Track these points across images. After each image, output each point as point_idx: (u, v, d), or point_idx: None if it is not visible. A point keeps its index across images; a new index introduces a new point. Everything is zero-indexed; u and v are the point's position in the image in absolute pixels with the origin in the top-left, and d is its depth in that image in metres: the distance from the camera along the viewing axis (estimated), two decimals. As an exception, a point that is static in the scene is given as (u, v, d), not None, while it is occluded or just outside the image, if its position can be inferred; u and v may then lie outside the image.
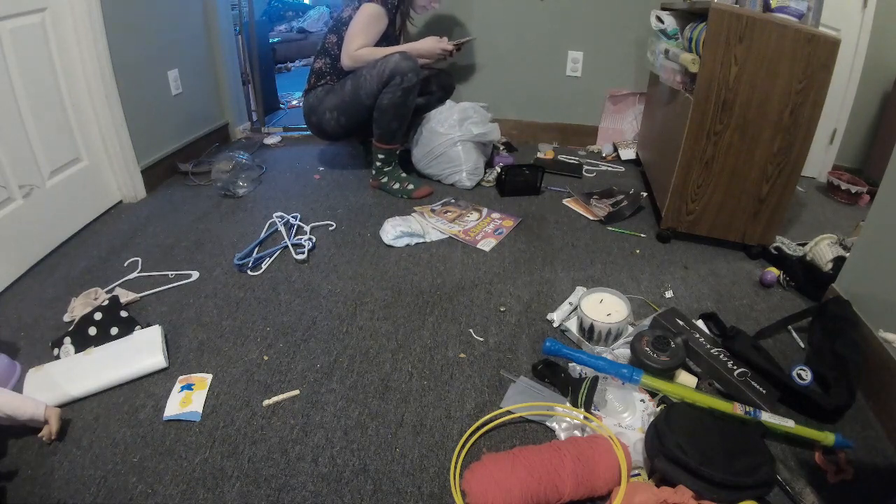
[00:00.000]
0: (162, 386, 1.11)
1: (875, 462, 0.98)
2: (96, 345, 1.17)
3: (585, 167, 2.35)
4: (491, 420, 1.02)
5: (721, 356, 1.10)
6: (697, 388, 1.06)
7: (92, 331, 1.20)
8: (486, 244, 1.68)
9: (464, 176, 2.07)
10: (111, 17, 1.72)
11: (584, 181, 2.24)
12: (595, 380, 1.04)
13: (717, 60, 1.46)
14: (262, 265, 1.55)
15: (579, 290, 1.41)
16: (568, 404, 1.05)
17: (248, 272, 1.51)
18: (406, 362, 1.19)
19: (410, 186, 2.01)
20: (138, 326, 1.24)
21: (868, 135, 2.37)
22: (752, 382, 1.05)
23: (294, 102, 3.42)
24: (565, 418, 1.01)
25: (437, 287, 1.46)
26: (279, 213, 1.80)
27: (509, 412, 1.03)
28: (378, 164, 2.01)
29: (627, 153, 2.48)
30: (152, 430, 1.00)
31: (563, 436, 0.99)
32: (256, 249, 1.62)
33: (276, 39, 4.47)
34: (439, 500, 0.88)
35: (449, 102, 2.14)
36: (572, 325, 1.27)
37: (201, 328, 1.28)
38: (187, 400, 1.06)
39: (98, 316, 1.22)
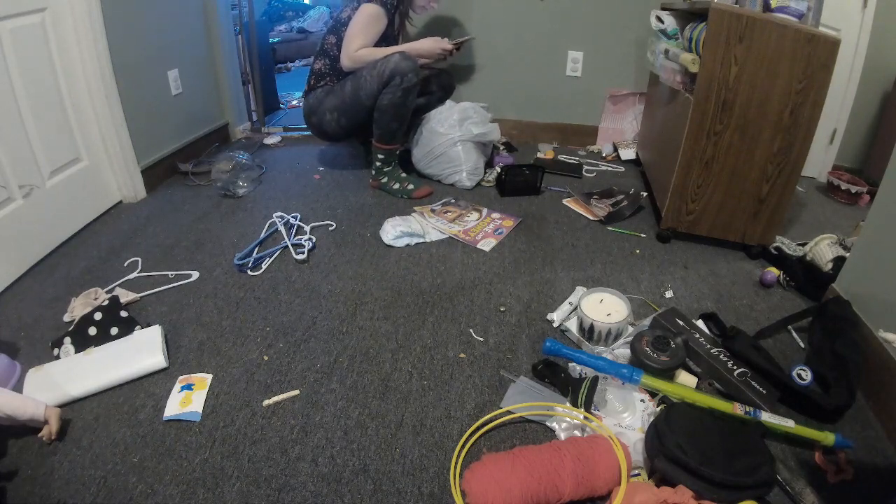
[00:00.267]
0: (162, 386, 1.11)
1: (875, 462, 0.98)
2: (96, 345, 1.17)
3: (585, 167, 2.35)
4: (491, 420, 1.02)
5: (721, 356, 1.11)
6: (697, 388, 1.06)
7: (92, 331, 1.20)
8: (486, 244, 1.68)
9: (464, 176, 2.07)
10: (111, 17, 1.72)
11: (584, 181, 2.24)
12: (595, 380, 1.04)
13: (717, 60, 1.46)
14: (262, 265, 1.55)
15: (579, 290, 1.41)
16: (568, 404, 1.05)
17: (248, 272, 1.51)
18: (406, 362, 1.19)
19: (410, 186, 2.01)
20: (138, 326, 1.24)
21: (868, 135, 2.37)
22: (752, 382, 1.05)
23: (294, 102, 3.43)
24: (565, 418, 1.01)
25: (437, 287, 1.46)
26: (279, 213, 1.80)
27: (509, 412, 1.03)
28: (378, 164, 2.01)
29: (627, 153, 2.48)
30: (152, 430, 1.00)
31: (563, 436, 0.99)
32: (256, 249, 1.62)
33: (276, 39, 4.47)
34: (439, 500, 0.88)
35: (449, 102, 2.14)
36: (572, 325, 1.27)
37: (201, 328, 1.28)
38: (187, 400, 1.06)
39: (98, 316, 1.22)
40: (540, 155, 2.49)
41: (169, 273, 1.50)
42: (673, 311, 1.23)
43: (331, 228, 1.77)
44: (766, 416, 0.96)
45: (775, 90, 1.45)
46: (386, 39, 1.96)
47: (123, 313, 1.25)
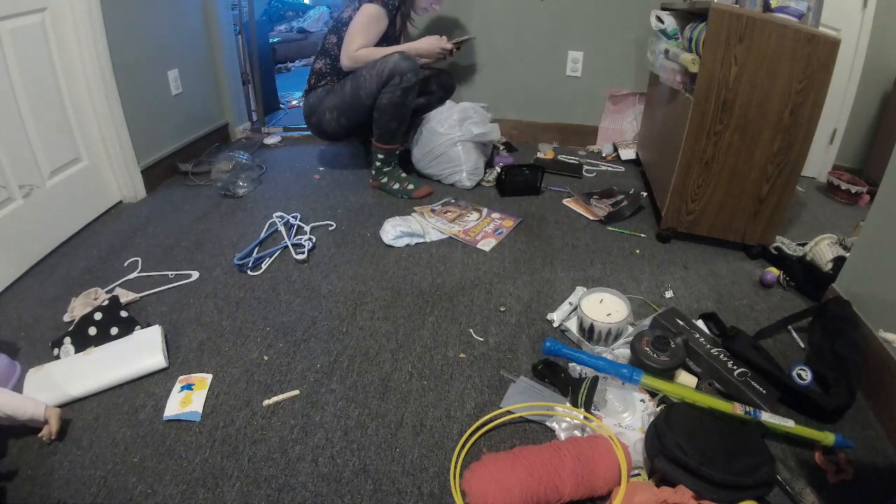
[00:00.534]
0: (162, 386, 1.11)
1: (875, 462, 0.98)
2: (96, 345, 1.17)
3: (585, 167, 2.35)
4: (491, 420, 1.02)
5: (721, 356, 1.10)
6: (697, 388, 1.06)
7: (92, 331, 1.20)
8: (486, 244, 1.68)
9: (464, 176, 2.07)
10: (111, 17, 1.72)
11: (584, 181, 2.24)
12: (595, 380, 1.04)
13: (717, 60, 1.46)
14: (262, 265, 1.55)
15: (579, 290, 1.41)
16: (568, 404, 1.05)
17: (248, 272, 1.51)
18: (406, 362, 1.19)
19: (410, 186, 2.01)
20: (138, 326, 1.24)
21: (868, 135, 2.37)
22: (752, 382, 1.05)
23: (294, 102, 3.43)
24: (565, 418, 1.01)
25: (437, 287, 1.46)
26: (279, 213, 1.80)
27: (509, 412, 1.03)
28: (378, 164, 2.01)
29: (627, 153, 2.48)
30: (152, 430, 1.00)
31: (563, 436, 0.99)
32: (256, 249, 1.62)
33: (276, 39, 4.47)
34: (439, 500, 0.88)
35: (449, 102, 2.14)
36: (572, 325, 1.27)
37: (201, 328, 1.28)
38: (187, 400, 1.06)
39: (98, 316, 1.22)
40: (540, 155, 2.49)
41: (169, 273, 1.50)
42: (673, 311, 1.23)
43: (331, 228, 1.77)
44: (766, 416, 0.96)
45: (775, 90, 1.45)
46: (387, 40, 1.96)
47: (123, 313, 1.25)
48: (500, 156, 2.34)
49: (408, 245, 1.67)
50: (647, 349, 1.07)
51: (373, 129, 1.94)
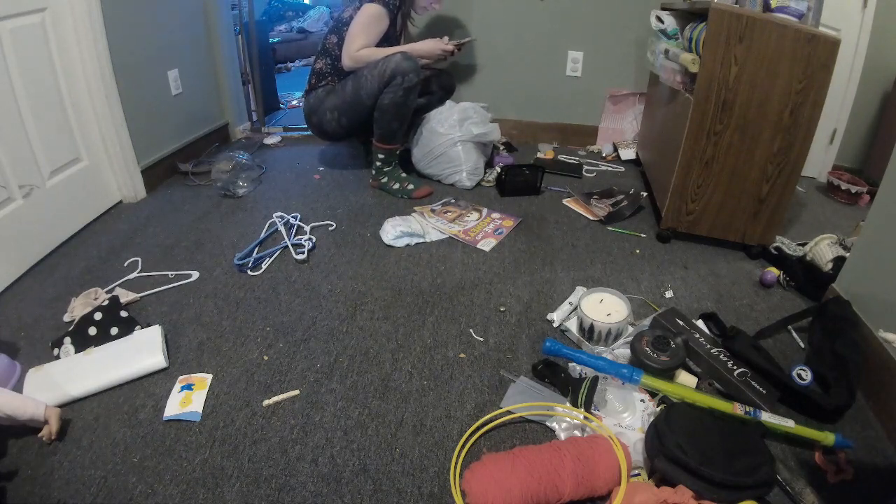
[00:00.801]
0: (162, 386, 1.11)
1: (875, 462, 0.98)
2: (96, 345, 1.17)
3: (585, 167, 2.35)
4: (491, 420, 1.02)
5: (721, 356, 1.10)
6: (697, 388, 1.06)
7: (92, 331, 1.20)
8: (486, 244, 1.68)
9: (464, 176, 2.07)
10: (111, 17, 1.72)
11: (584, 181, 2.24)
12: (595, 380, 1.04)
13: (717, 60, 1.46)
14: (262, 265, 1.55)
15: (579, 290, 1.41)
16: (568, 404, 1.05)
17: (248, 272, 1.51)
18: (406, 362, 1.19)
19: (410, 186, 2.01)
20: (138, 326, 1.24)
21: (868, 135, 2.37)
22: (752, 382, 1.05)
23: (294, 102, 3.42)
24: (565, 418, 1.01)
25: (437, 287, 1.46)
26: (279, 213, 1.80)
27: (509, 412, 1.03)
28: (378, 164, 2.01)
29: (627, 153, 2.48)
30: (152, 430, 1.00)
31: (563, 436, 0.99)
32: (256, 249, 1.62)
33: (276, 39, 4.47)
34: (439, 500, 0.88)
35: (449, 103, 2.14)
36: (572, 325, 1.27)
37: (201, 328, 1.28)
38: (187, 400, 1.06)
39: (98, 316, 1.22)
40: (540, 155, 2.49)
41: (169, 273, 1.50)
42: (673, 311, 1.23)
43: (331, 228, 1.77)
44: (766, 416, 0.96)
45: (775, 90, 1.45)
46: (388, 40, 1.96)
47: (123, 313, 1.25)
48: (500, 156, 2.34)
49: (408, 245, 1.67)
50: (647, 349, 1.07)
51: (373, 129, 1.94)
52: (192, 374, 1.14)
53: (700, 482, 0.82)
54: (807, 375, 1.06)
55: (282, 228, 1.72)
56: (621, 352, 1.16)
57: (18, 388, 1.07)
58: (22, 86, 1.47)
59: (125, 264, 1.55)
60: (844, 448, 0.96)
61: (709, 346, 1.13)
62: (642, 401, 1.03)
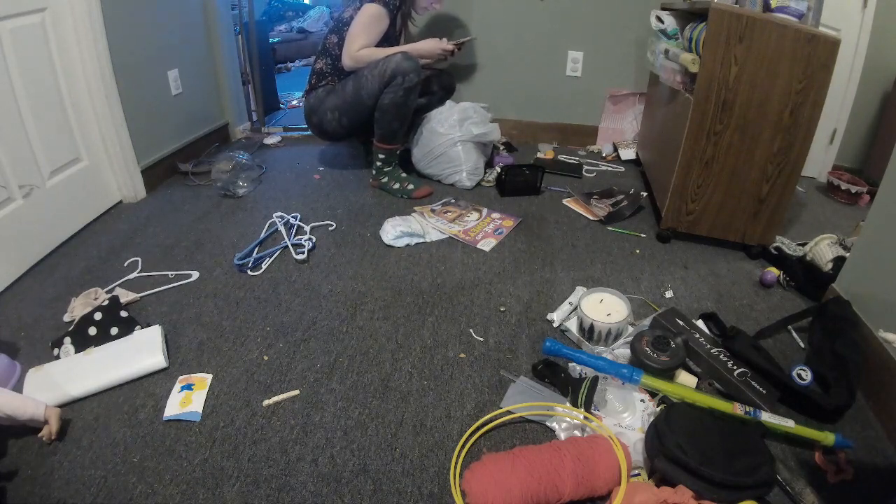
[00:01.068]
0: (162, 386, 1.11)
1: (875, 462, 0.98)
2: (96, 345, 1.17)
3: (585, 167, 2.35)
4: (491, 420, 1.02)
5: (721, 356, 1.10)
6: (697, 388, 1.06)
7: (92, 331, 1.20)
8: (486, 244, 1.68)
9: (464, 176, 2.07)
10: (111, 17, 1.72)
11: (584, 181, 2.24)
12: (595, 380, 1.04)
13: (717, 60, 1.46)
14: (262, 265, 1.55)
15: (579, 290, 1.41)
16: (568, 404, 1.05)
17: (248, 272, 1.51)
18: (406, 362, 1.19)
19: (410, 186, 2.01)
20: (138, 326, 1.24)
21: (868, 135, 2.37)
22: (752, 382, 1.05)
23: (294, 102, 3.42)
24: (565, 418, 1.01)
25: (437, 287, 1.46)
26: (279, 213, 1.80)
27: (509, 412, 1.03)
28: (378, 163, 2.01)
29: (627, 153, 2.48)
30: (152, 430, 1.00)
31: (563, 436, 0.99)
32: (256, 249, 1.62)
33: (276, 39, 4.47)
34: (439, 500, 0.88)
35: (449, 103, 2.14)
36: (572, 325, 1.27)
37: (201, 328, 1.28)
38: (187, 400, 1.06)
39: (98, 316, 1.22)
40: (540, 155, 2.49)
41: (169, 273, 1.50)
42: (673, 311, 1.23)
43: (331, 228, 1.77)
44: (766, 416, 0.96)
45: (775, 90, 1.45)
46: (388, 39, 1.96)
47: (123, 313, 1.25)
48: (500, 156, 2.34)
49: (408, 245, 1.67)
50: (647, 349, 1.07)
51: (374, 129, 1.94)
52: (192, 374, 1.14)
53: (700, 482, 0.82)
54: (807, 375, 1.06)
55: (282, 228, 1.72)
56: (621, 352, 1.16)
57: (18, 388, 1.07)
58: (22, 86, 1.47)
59: (125, 264, 1.55)
60: (844, 448, 0.96)
61: (709, 346, 1.13)
62: (642, 401, 1.03)
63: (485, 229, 1.77)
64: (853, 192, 2.14)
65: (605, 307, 1.23)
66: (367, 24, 1.85)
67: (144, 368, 1.13)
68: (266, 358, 1.19)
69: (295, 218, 1.79)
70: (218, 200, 1.98)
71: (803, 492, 0.88)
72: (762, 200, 1.58)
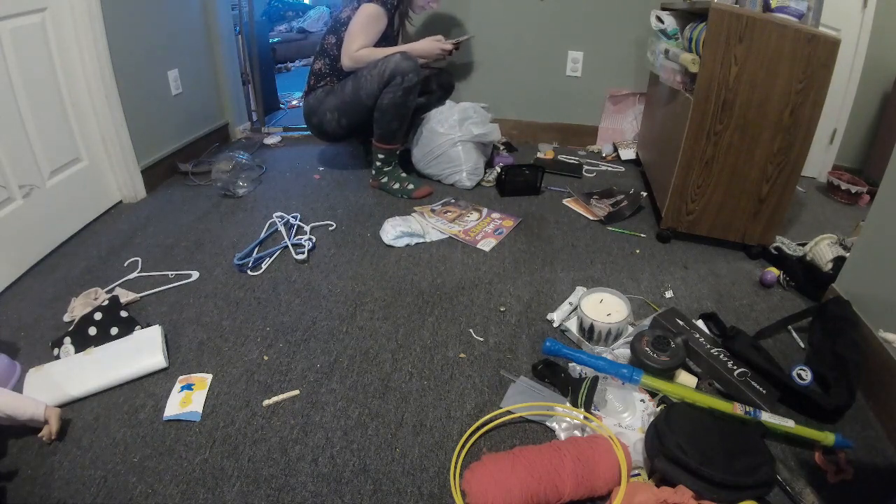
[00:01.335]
0: (162, 386, 1.11)
1: (875, 462, 0.98)
2: (96, 345, 1.17)
3: (585, 167, 2.35)
4: (491, 420, 1.02)
5: (721, 356, 1.10)
6: (697, 388, 1.06)
7: (92, 331, 1.20)
8: (486, 244, 1.68)
9: (464, 176, 2.07)
10: (111, 17, 1.72)
11: (584, 181, 2.24)
12: (595, 380, 1.04)
13: (717, 60, 1.46)
14: (262, 265, 1.55)
15: (579, 290, 1.41)
16: (568, 404, 1.05)
17: (248, 272, 1.51)
18: (406, 362, 1.19)
19: (410, 186, 2.01)
20: (138, 326, 1.24)
21: (868, 135, 2.37)
22: (752, 382, 1.05)
23: (294, 102, 3.42)
24: (565, 418, 1.01)
25: (437, 287, 1.46)
26: (279, 213, 1.80)
27: (509, 412, 1.03)
28: (378, 163, 2.01)
29: (627, 153, 2.48)
30: (152, 430, 1.00)
31: (563, 436, 0.99)
32: (256, 249, 1.62)
33: (276, 39, 4.47)
34: (439, 500, 0.88)
35: (449, 103, 2.14)
36: (572, 325, 1.27)
37: (201, 328, 1.28)
38: (187, 400, 1.06)
39: (98, 316, 1.22)
40: (540, 155, 2.49)
41: (169, 273, 1.50)
42: (673, 311, 1.23)
43: (331, 228, 1.77)
44: (766, 416, 0.96)
45: (775, 90, 1.45)
46: (386, 39, 1.96)
47: (123, 313, 1.25)
48: (500, 156, 2.34)
49: (408, 245, 1.67)
50: (647, 349, 1.07)
51: (373, 129, 1.94)
52: (192, 374, 1.14)
53: (700, 482, 0.82)
54: (807, 375, 1.06)
55: (282, 228, 1.72)
56: (621, 352, 1.16)
57: (18, 388, 1.07)
58: (22, 86, 1.47)
59: (125, 264, 1.55)
60: (844, 448, 0.96)
61: (709, 346, 1.13)
62: (642, 401, 1.03)
63: (485, 229, 1.77)
64: (853, 192, 2.14)
65: (605, 307, 1.23)
66: (365, 24, 1.85)
67: (144, 368, 1.13)
68: (266, 358, 1.19)
69: (295, 218, 1.79)
70: (218, 200, 1.98)
71: (803, 492, 0.88)
72: (762, 200, 1.58)
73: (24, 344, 1.23)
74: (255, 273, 1.51)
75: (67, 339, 1.18)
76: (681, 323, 1.19)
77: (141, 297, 1.39)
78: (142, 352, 1.15)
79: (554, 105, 2.62)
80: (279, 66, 4.39)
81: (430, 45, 1.98)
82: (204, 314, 1.33)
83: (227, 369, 1.16)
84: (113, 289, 1.41)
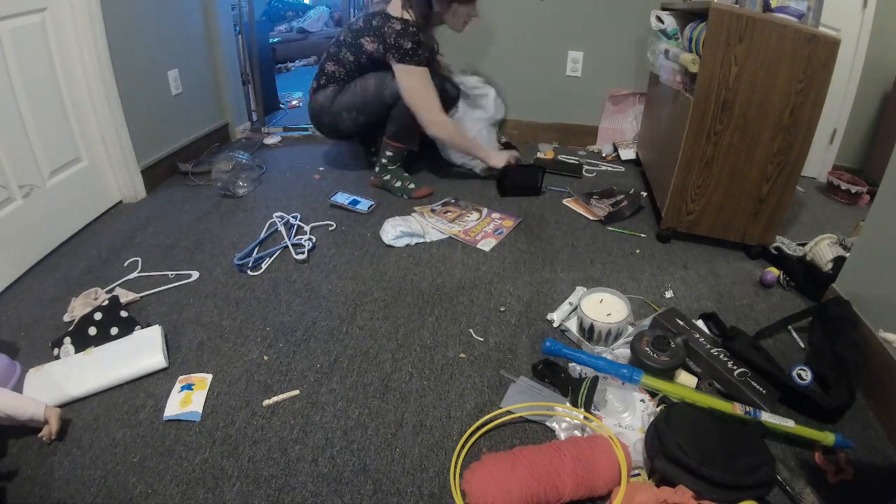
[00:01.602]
0: (162, 386, 1.11)
1: (875, 462, 0.98)
2: (96, 345, 1.17)
3: (585, 167, 2.35)
4: (491, 420, 1.02)
5: (721, 356, 1.10)
6: (697, 388, 1.06)
7: (92, 331, 1.20)
8: (486, 244, 1.68)
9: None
10: (111, 17, 1.72)
11: (584, 181, 2.24)
12: (595, 380, 1.04)
13: (717, 60, 1.46)
14: (262, 265, 1.55)
15: (579, 290, 1.41)
16: (568, 404, 1.05)
17: (248, 272, 1.51)
18: (406, 362, 1.19)
19: (411, 186, 2.01)
20: (138, 326, 1.24)
21: (868, 135, 2.37)
22: (752, 382, 1.05)
23: (294, 102, 3.42)
24: (565, 418, 1.01)
25: (437, 287, 1.46)
26: (279, 213, 1.80)
27: (509, 412, 1.03)
28: (384, 160, 2.01)
29: (627, 153, 2.48)
30: (152, 430, 1.00)
31: (563, 436, 0.99)
32: (256, 249, 1.62)
33: (276, 39, 4.47)
34: (439, 500, 0.88)
35: (486, 88, 2.22)
36: (572, 325, 1.27)
37: (201, 328, 1.28)
38: (187, 400, 1.06)
39: (98, 316, 1.22)
40: (540, 155, 2.49)
41: (169, 273, 1.50)
42: (673, 311, 1.23)
43: (331, 228, 1.77)
44: (766, 416, 0.96)
45: (775, 90, 1.45)
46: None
47: (123, 313, 1.25)
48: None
49: (408, 245, 1.67)
50: (647, 349, 1.07)
51: (387, 127, 1.94)
52: (192, 374, 1.14)
53: (700, 482, 0.82)
54: (807, 375, 1.06)
55: (282, 228, 1.72)
56: (621, 352, 1.16)
57: (18, 388, 1.07)
58: (22, 86, 1.47)
59: (125, 264, 1.54)
60: (844, 448, 0.96)
61: (709, 346, 1.13)
62: (642, 401, 1.03)
63: (485, 229, 1.77)
64: (853, 192, 2.14)
65: (605, 307, 1.23)
66: (425, 90, 1.87)
67: (144, 368, 1.13)
68: (266, 358, 1.19)
69: (295, 218, 1.79)
70: (218, 200, 1.98)
71: (803, 492, 0.88)
72: (762, 200, 1.58)
73: (24, 344, 1.23)
74: (255, 273, 1.51)
75: (67, 339, 1.18)
76: (681, 323, 1.19)
77: (141, 297, 1.39)
78: (142, 352, 1.15)
79: (554, 105, 2.62)
80: (279, 66, 4.39)
81: (504, 158, 2.03)
82: (204, 314, 1.33)
83: (227, 369, 1.16)
84: (113, 289, 1.41)
